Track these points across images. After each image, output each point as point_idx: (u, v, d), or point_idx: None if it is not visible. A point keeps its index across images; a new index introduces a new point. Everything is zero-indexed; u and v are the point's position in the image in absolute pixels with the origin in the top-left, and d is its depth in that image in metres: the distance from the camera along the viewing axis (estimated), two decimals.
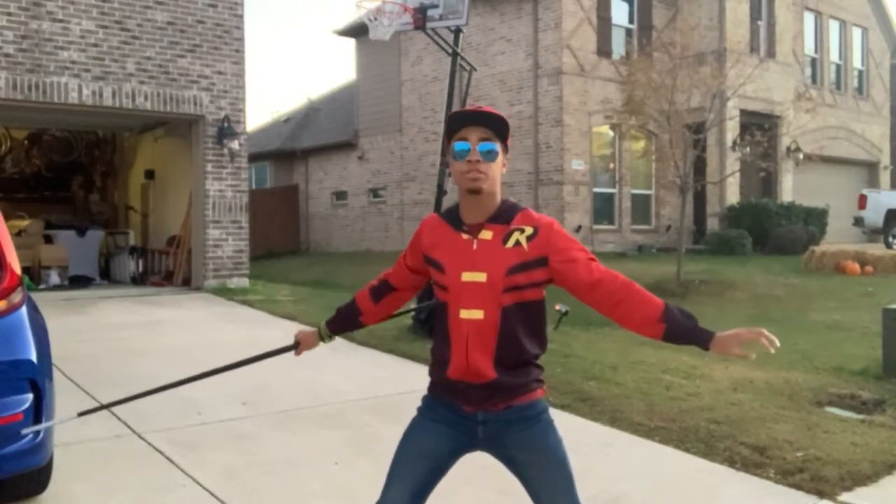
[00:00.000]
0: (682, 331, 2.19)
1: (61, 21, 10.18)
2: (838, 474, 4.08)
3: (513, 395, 2.27)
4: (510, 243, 2.25)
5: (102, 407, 3.34)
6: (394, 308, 2.65)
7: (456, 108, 8.76)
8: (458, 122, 2.29)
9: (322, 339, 2.70)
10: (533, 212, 2.33)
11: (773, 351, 2.16)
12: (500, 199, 2.31)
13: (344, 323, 2.67)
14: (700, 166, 15.33)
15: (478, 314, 2.23)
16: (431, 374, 2.39)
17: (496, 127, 2.26)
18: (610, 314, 2.27)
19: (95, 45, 10.42)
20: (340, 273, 16.10)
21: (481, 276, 2.23)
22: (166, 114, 11.25)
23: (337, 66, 67.34)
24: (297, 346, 2.74)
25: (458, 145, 2.25)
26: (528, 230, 2.26)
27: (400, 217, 20.49)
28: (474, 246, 2.26)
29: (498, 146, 2.26)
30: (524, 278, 2.24)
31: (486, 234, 2.27)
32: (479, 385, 2.25)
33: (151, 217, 14.10)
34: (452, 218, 2.34)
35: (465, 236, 2.28)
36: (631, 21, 18.18)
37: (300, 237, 23.53)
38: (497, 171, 2.27)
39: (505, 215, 2.29)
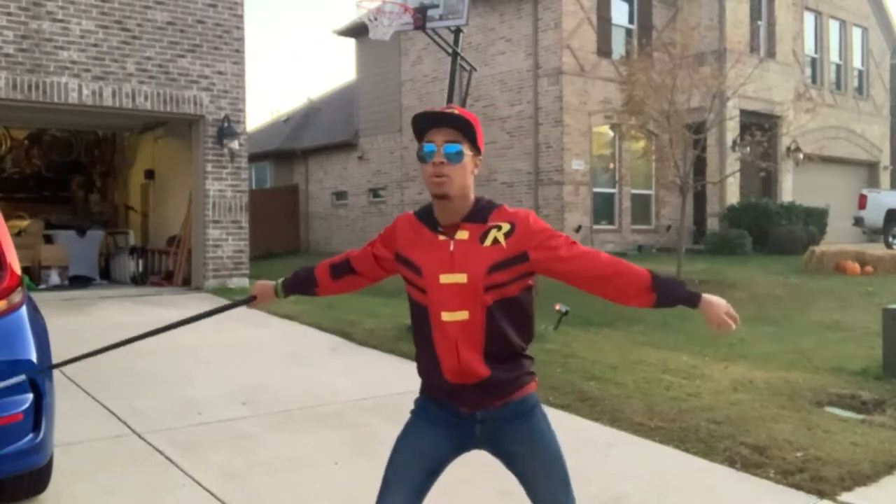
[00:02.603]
0: (672, 296, 2.24)
1: (61, 21, 10.18)
2: (838, 474, 4.08)
3: (508, 392, 2.28)
4: (488, 241, 2.23)
5: (60, 364, 3.18)
6: (350, 289, 2.63)
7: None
8: (424, 123, 2.25)
9: (277, 295, 2.69)
10: (508, 207, 2.31)
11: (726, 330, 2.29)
12: (472, 199, 2.29)
13: (298, 288, 2.67)
14: (700, 166, 15.33)
15: (462, 315, 2.21)
16: (422, 379, 2.37)
17: (462, 128, 2.23)
18: (599, 291, 2.27)
19: (95, 45, 10.41)
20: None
21: (461, 278, 2.21)
22: (166, 114, 11.25)
23: (337, 66, 67.35)
24: (253, 299, 2.71)
25: (424, 147, 2.23)
26: (506, 227, 2.24)
27: None
28: (451, 247, 2.24)
29: (465, 147, 2.22)
30: (505, 275, 2.22)
31: (463, 234, 2.24)
32: (474, 385, 2.24)
33: (151, 217, 14.09)
34: (427, 218, 2.31)
35: (441, 237, 2.26)
36: (631, 21, 18.18)
37: (300, 237, 23.52)
38: (465, 174, 2.24)
39: (480, 214, 2.27)
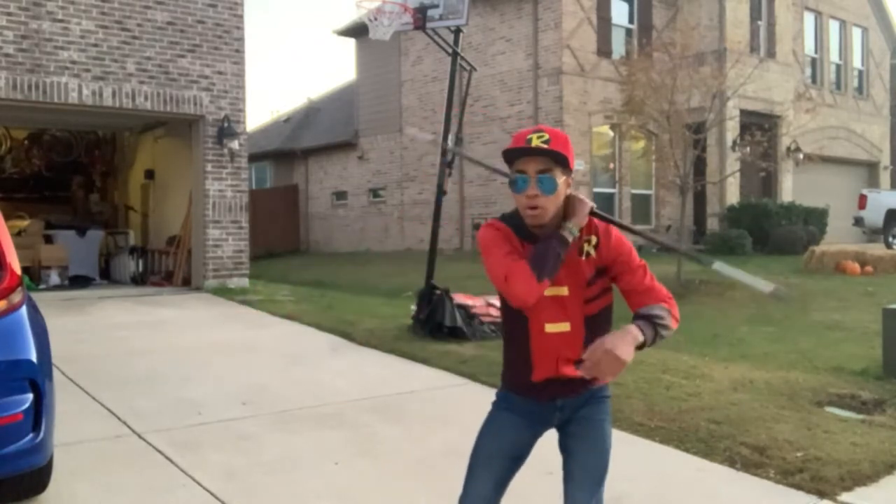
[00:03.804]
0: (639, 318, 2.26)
1: (61, 21, 10.18)
2: (838, 474, 4.08)
3: (590, 382, 2.35)
4: (584, 255, 2.30)
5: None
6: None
7: (456, 108, 8.75)
8: (516, 153, 2.26)
9: None
10: (592, 219, 2.36)
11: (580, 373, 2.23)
12: (563, 211, 2.30)
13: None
14: (700, 166, 15.33)
15: (564, 327, 2.28)
16: (508, 378, 2.43)
17: (555, 157, 2.23)
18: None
19: (95, 45, 10.41)
20: (340, 273, 16.09)
21: (563, 290, 2.27)
22: (166, 114, 11.25)
23: (337, 66, 67.34)
24: None
25: (517, 178, 2.24)
26: (594, 239, 2.32)
27: (400, 217, 20.49)
28: None
29: (557, 173, 2.23)
30: (598, 287, 2.32)
31: None
32: (562, 379, 2.32)
33: (151, 217, 14.09)
34: (524, 231, 2.31)
35: None
36: (631, 21, 18.19)
37: (300, 237, 23.53)
38: (559, 200, 2.26)
39: None
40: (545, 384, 2.32)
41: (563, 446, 2.42)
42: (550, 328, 2.27)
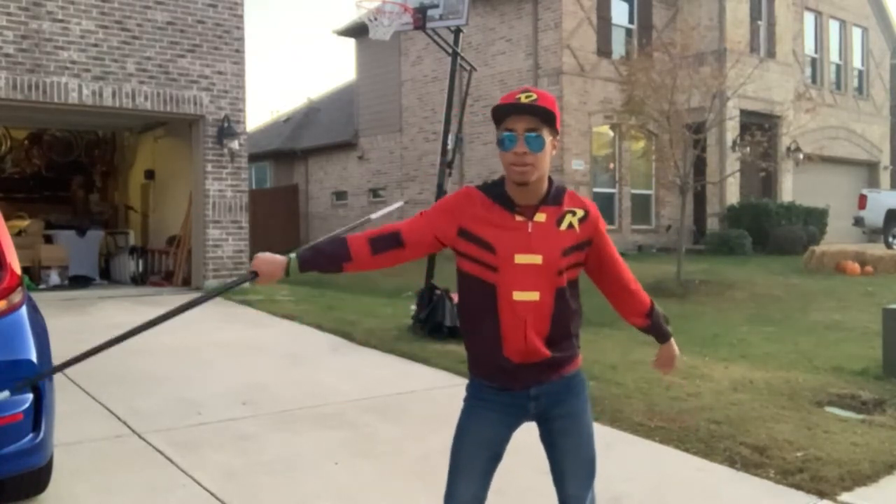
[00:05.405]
0: (657, 327, 2.61)
1: (61, 21, 10.18)
2: (838, 474, 4.08)
3: (562, 366, 2.35)
4: (563, 225, 2.30)
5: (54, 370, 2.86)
6: (389, 264, 2.39)
7: (456, 108, 8.75)
8: (505, 111, 2.26)
9: (287, 273, 2.35)
10: (576, 193, 2.39)
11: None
12: (547, 180, 2.32)
13: (324, 263, 2.38)
14: (700, 166, 15.33)
15: (533, 296, 2.25)
16: (477, 356, 2.39)
17: (544, 115, 2.25)
18: (611, 296, 2.49)
19: (95, 45, 10.41)
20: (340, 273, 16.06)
21: (537, 259, 2.25)
22: (166, 114, 11.25)
23: (337, 66, 67.36)
24: (255, 276, 2.36)
25: (504, 136, 2.25)
26: (580, 213, 2.33)
27: (400, 217, 20.44)
28: (529, 228, 2.27)
29: (545, 132, 2.25)
30: (574, 259, 2.31)
31: (541, 217, 2.29)
32: (532, 363, 2.30)
33: (151, 217, 14.09)
34: (501, 197, 2.31)
35: (518, 218, 2.28)
36: (631, 21, 18.18)
37: (300, 237, 23.51)
38: (546, 159, 2.27)
39: (556, 197, 2.33)
40: (517, 370, 2.29)
41: (549, 442, 2.41)
42: (519, 296, 2.24)
